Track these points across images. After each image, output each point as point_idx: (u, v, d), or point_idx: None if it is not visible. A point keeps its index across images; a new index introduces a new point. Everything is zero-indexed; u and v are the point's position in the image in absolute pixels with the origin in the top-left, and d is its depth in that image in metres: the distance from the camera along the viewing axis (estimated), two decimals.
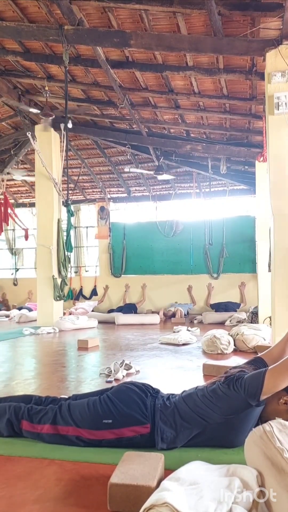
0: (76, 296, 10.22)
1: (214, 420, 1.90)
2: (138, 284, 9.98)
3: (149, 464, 1.58)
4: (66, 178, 6.74)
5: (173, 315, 8.44)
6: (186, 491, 1.30)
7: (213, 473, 1.43)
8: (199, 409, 1.93)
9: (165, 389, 2.25)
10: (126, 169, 9.05)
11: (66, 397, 2.35)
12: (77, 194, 10.60)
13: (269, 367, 1.91)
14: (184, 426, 1.93)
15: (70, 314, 8.21)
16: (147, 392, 2.08)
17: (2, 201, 8.54)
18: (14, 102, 6.93)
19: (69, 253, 7.45)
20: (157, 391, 2.14)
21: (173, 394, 2.12)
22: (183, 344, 5.14)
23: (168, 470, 1.60)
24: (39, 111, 6.81)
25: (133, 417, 1.96)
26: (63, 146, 6.62)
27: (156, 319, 7.93)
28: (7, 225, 9.26)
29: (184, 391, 2.11)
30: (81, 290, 10.42)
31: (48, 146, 7.41)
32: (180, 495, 1.26)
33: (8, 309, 10.21)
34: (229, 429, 1.90)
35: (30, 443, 2.05)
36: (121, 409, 1.98)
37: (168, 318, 8.43)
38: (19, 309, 9.53)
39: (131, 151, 8.40)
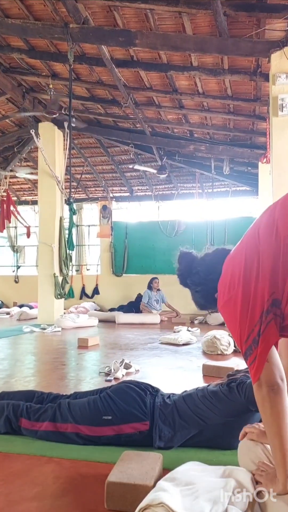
0: (80, 295, 10.22)
1: (212, 421, 1.90)
2: (139, 283, 9.96)
3: (147, 464, 1.58)
4: (69, 176, 6.75)
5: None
6: (182, 491, 1.30)
7: (209, 474, 1.43)
8: (199, 409, 1.93)
9: (164, 389, 2.25)
10: (130, 166, 9.04)
11: (67, 395, 2.35)
12: (80, 192, 10.61)
13: None
14: (182, 425, 1.93)
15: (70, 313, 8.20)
16: (146, 390, 2.08)
17: (5, 199, 8.56)
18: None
19: (70, 252, 7.46)
20: (156, 390, 2.15)
21: (173, 394, 2.13)
22: (183, 344, 5.14)
23: (167, 470, 1.60)
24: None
25: (132, 414, 1.96)
26: (66, 144, 6.63)
27: (156, 319, 7.93)
28: (10, 222, 9.28)
29: (185, 391, 2.11)
30: (83, 288, 10.42)
31: (52, 144, 7.41)
32: (175, 495, 1.26)
33: None
34: (228, 431, 1.90)
35: (28, 441, 2.05)
36: (120, 406, 1.99)
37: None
38: (20, 306, 9.54)
39: (135, 151, 8.40)
